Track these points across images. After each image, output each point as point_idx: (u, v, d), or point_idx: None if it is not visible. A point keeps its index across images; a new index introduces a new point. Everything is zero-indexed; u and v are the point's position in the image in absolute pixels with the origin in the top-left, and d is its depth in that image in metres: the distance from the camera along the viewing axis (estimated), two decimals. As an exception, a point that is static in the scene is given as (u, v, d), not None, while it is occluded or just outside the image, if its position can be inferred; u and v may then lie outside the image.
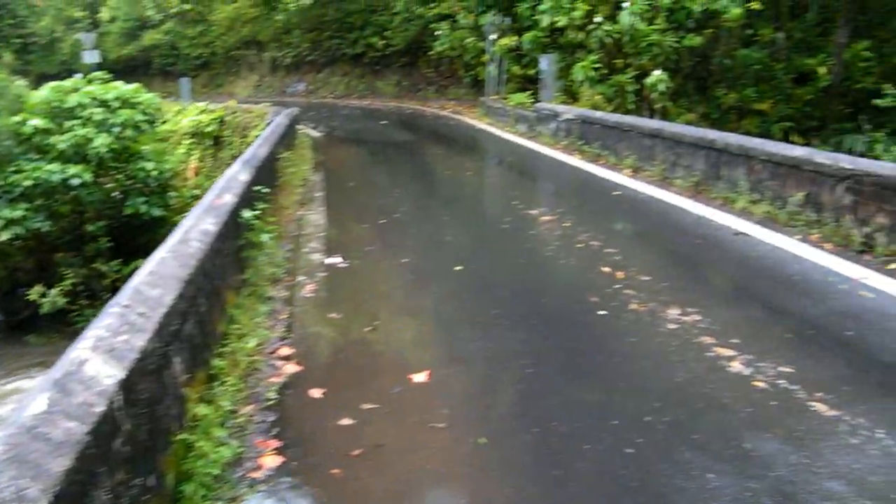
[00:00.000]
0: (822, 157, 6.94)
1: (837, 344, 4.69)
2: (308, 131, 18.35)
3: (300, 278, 6.02)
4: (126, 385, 2.46)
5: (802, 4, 20.17)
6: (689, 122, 16.44)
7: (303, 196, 9.32)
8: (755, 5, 16.12)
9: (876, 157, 14.66)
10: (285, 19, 34.49)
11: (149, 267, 3.70)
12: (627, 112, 16.35)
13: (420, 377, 4.12)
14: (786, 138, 16.77)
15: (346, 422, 3.64)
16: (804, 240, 6.84)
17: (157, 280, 3.51)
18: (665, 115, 16.24)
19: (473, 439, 3.47)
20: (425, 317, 5.22)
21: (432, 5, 26.97)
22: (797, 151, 7.29)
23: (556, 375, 4.21)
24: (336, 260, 6.49)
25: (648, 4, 16.29)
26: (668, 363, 4.32)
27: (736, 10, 15.73)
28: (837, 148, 15.56)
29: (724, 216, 7.83)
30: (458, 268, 6.23)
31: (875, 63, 17.31)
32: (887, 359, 4.46)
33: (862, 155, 15.20)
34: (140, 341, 2.77)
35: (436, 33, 25.68)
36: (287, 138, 11.66)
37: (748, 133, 17.11)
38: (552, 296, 5.65)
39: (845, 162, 6.64)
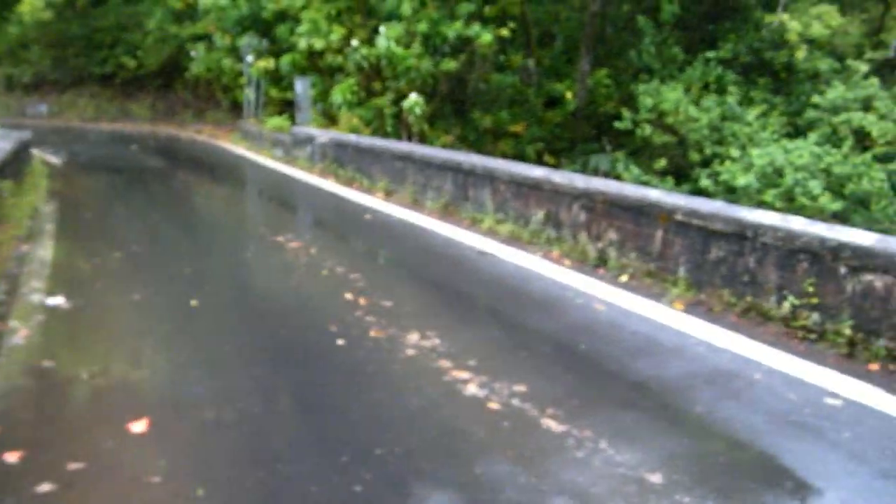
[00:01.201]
0: (559, 177, 7.36)
1: (571, 358, 4.92)
2: (47, 157, 16.86)
3: (13, 323, 5.39)
4: None
5: (550, 34, 21.65)
6: (446, 145, 16.98)
7: (29, 230, 8.46)
8: (505, 32, 16.99)
9: (618, 176, 15.95)
10: (20, 32, 31.55)
11: None
12: (386, 135, 16.60)
13: (139, 426, 3.78)
14: (539, 158, 17.82)
15: (45, 488, 3.23)
16: (546, 257, 7.21)
17: None
18: (423, 138, 16.66)
19: (191, 491, 3.20)
20: (150, 359, 4.83)
21: (187, 25, 25.92)
22: (536, 172, 7.69)
23: (286, 413, 4.05)
24: (58, 300, 5.89)
25: (405, 30, 16.68)
26: (404, 391, 4.29)
27: (487, 37, 16.47)
28: (584, 167, 16.76)
29: (471, 236, 8.09)
30: (194, 303, 5.88)
31: (614, 90, 18.89)
32: (613, 368, 4.73)
33: (606, 174, 16.48)
34: None
35: (191, 54, 24.70)
36: (13, 165, 10.58)
37: (504, 154, 17.99)
38: (291, 327, 5.47)
39: (579, 182, 7.08)
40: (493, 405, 4.11)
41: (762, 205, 14.75)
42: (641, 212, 6.30)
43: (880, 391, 4.43)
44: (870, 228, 15.40)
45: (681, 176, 16.43)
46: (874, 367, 4.71)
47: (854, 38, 17.93)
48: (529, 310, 5.88)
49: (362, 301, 5.91)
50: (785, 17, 17.14)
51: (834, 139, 16.02)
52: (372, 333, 5.21)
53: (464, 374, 4.51)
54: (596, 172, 16.43)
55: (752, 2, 18.52)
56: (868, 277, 4.73)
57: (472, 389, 4.31)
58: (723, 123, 15.97)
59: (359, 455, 3.53)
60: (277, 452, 3.56)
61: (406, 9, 16.46)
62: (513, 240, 7.82)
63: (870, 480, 3.46)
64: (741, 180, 14.54)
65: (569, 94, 18.31)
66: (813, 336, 5.06)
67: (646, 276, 6.34)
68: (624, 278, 6.48)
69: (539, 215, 7.54)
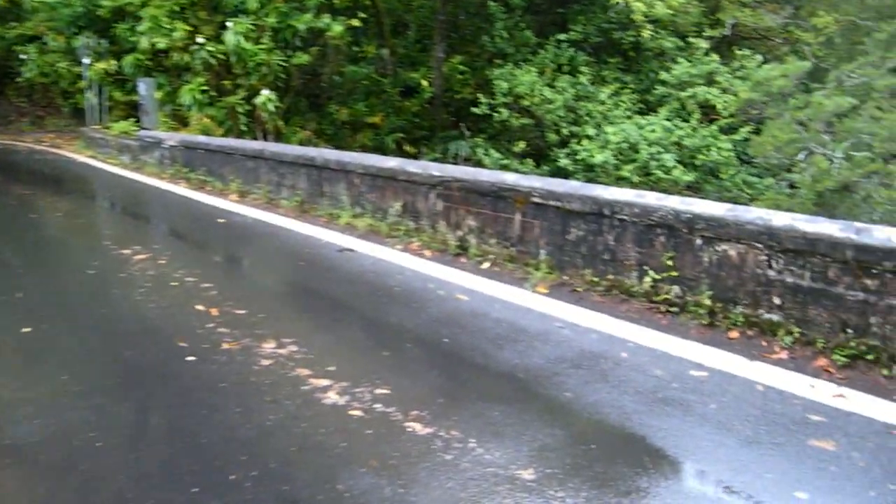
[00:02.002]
0: (414, 166, 7.17)
1: (435, 354, 4.74)
2: None
3: None
4: None
5: (404, 23, 21.46)
6: (303, 140, 16.53)
7: None
8: (356, 23, 16.66)
9: (479, 161, 16.00)
10: None
11: None
12: (241, 134, 15.98)
13: (-53, 480, 3.30)
14: (399, 148, 17.65)
15: None
16: (406, 249, 7.01)
17: None
18: (279, 135, 16.15)
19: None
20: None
21: (13, 25, 24.10)
22: (390, 163, 7.48)
23: (129, 445, 3.65)
24: None
25: (253, 24, 16.06)
26: (260, 406, 3.98)
27: (338, 28, 16.07)
28: (445, 154, 16.72)
29: (329, 233, 7.79)
30: (26, 330, 5.32)
31: (470, 76, 18.92)
32: (479, 360, 4.58)
33: (467, 159, 16.50)
34: None
35: (22, 57, 22.99)
36: None
37: (364, 146, 17.71)
38: (136, 348, 5.02)
39: (434, 170, 6.91)
40: (356, 412, 3.86)
41: (620, 180, 15.18)
42: (499, 196, 6.20)
43: (741, 358, 4.48)
44: (720, 196, 16.20)
45: (541, 157, 16.66)
46: (734, 334, 4.77)
47: (694, 18, 18.65)
48: (390, 306, 5.66)
49: (214, 311, 5.52)
50: (630, -3, 17.65)
51: (683, 113, 16.66)
52: (225, 345, 4.84)
53: (323, 382, 4.24)
54: (456, 159, 16.44)
55: (598, -16, 18.99)
56: (723, 247, 4.78)
57: (332, 397, 4.04)
58: (577, 103, 16.29)
59: (211, 483, 3.20)
60: (119, 492, 3.18)
61: (253, 2, 15.83)
62: (371, 234, 7.59)
63: (737, 449, 3.46)
64: (598, 158, 14.88)
65: (425, 83, 18.18)
66: (675, 309, 5.09)
67: (507, 261, 6.25)
68: (486, 265, 6.37)
69: (396, 207, 7.34)
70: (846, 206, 13.27)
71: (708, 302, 4.89)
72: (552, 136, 16.07)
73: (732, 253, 4.74)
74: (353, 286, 6.22)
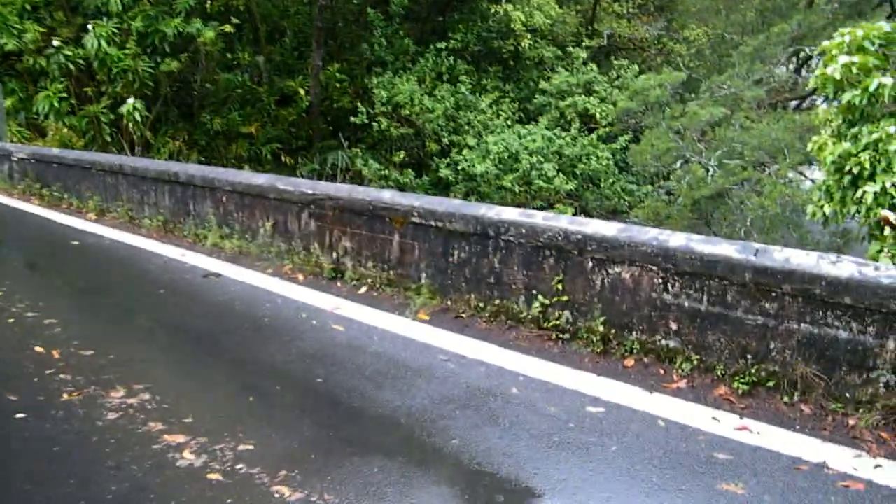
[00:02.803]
0: (284, 183, 6.56)
1: (307, 397, 4.18)
2: None
3: None
4: None
5: (280, 29, 20.64)
6: (174, 151, 15.57)
7: None
8: (228, 28, 15.82)
9: (358, 171, 15.46)
10: None
11: None
12: (105, 145, 14.86)
13: None
14: (277, 159, 16.90)
15: None
16: (277, 273, 6.40)
17: None
18: (147, 146, 15.13)
19: None
20: None
21: None
22: (259, 179, 6.84)
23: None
24: None
25: (117, 27, 14.96)
26: (101, 473, 3.31)
27: (210, 33, 15.21)
28: (323, 165, 16.10)
29: (195, 256, 7.06)
30: None
31: (349, 84, 18.34)
32: (356, 403, 4.05)
33: (346, 170, 15.93)
34: None
35: None
36: None
37: (239, 157, 16.87)
38: (-51, 404, 4.23)
39: (306, 187, 6.33)
40: (214, 475, 3.26)
41: (502, 189, 14.97)
42: (375, 216, 5.68)
43: (639, 390, 4.13)
44: (601, 204, 16.26)
45: (421, 167, 16.30)
46: (630, 362, 4.43)
47: (572, 28, 18.77)
48: (259, 340, 5.05)
49: (56, 353, 4.75)
50: (509, 7, 17.52)
51: (563, 123, 16.64)
52: (64, 396, 4.11)
53: (178, 438, 3.61)
54: (335, 170, 15.85)
55: (477, -7, 18.80)
56: (616, 270, 4.43)
57: (187, 457, 3.42)
58: (458, 112, 16.01)
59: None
60: None
61: (116, 4, 14.73)
62: (241, 256, 6.92)
63: (644, 499, 3.09)
64: (479, 167, 14.61)
65: (302, 91, 17.48)
66: (566, 336, 4.71)
67: (386, 285, 5.74)
68: (363, 290, 5.84)
69: (267, 227, 6.71)
70: (721, 212, 13.49)
71: (601, 328, 4.53)
72: (433, 146, 15.72)
73: (626, 276, 4.40)
74: (219, 317, 5.56)
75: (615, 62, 17.63)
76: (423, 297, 5.42)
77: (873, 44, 7.37)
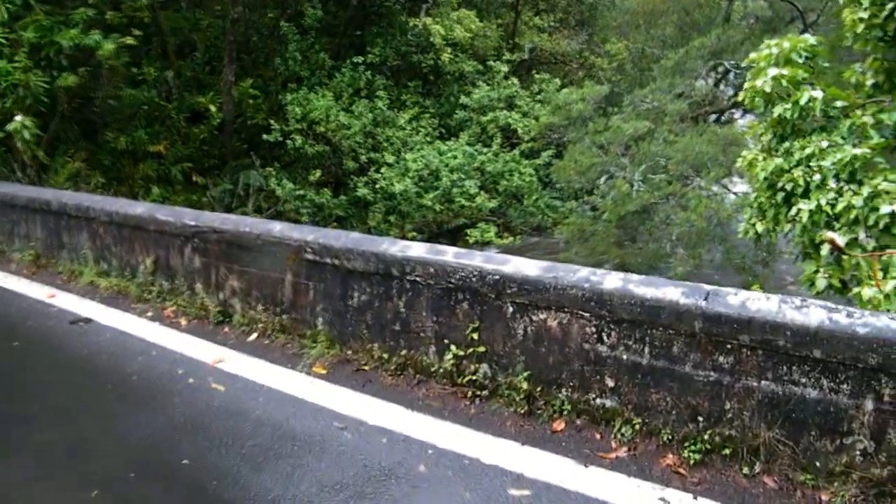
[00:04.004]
0: (165, 213, 5.62)
1: (168, 488, 3.30)
2: None
3: None
4: None
5: (190, 43, 19.47)
6: (74, 173, 14.31)
7: None
8: (130, 41, 14.63)
9: (272, 191, 14.49)
10: None
11: None
12: (-7, 167, 13.51)
13: None
14: (188, 179, 15.79)
15: None
16: (158, 316, 5.45)
17: None
18: (43, 168, 13.83)
19: None
20: None
21: None
22: (138, 209, 5.86)
23: None
24: None
25: (5, 38, 13.65)
26: None
27: (109, 46, 13.99)
28: (236, 185, 15.08)
29: (66, 298, 6.03)
30: None
31: (263, 100, 17.33)
32: (227, 494, 3.19)
33: (260, 190, 14.94)
34: None
35: None
36: None
37: (147, 177, 15.72)
38: None
39: (188, 217, 5.40)
40: None
41: (422, 208, 14.20)
42: (264, 251, 4.80)
43: (570, 463, 3.38)
44: (524, 221, 15.64)
45: (339, 186, 15.44)
46: (559, 426, 3.67)
47: (493, 42, 18.16)
48: (122, 405, 4.12)
49: None
50: (428, 20, 16.82)
51: (484, 138, 16.00)
52: None
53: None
54: (248, 190, 14.86)
55: (396, 7, 17.99)
56: (541, 316, 3.67)
57: None
58: (376, 129, 15.22)
59: None
60: None
61: (2, 12, 13.41)
62: (118, 297, 5.92)
63: None
64: (399, 186, 13.84)
65: (213, 108, 16.38)
66: (484, 393, 3.92)
67: (279, 331, 4.86)
68: (253, 337, 4.94)
69: (147, 263, 5.74)
70: (646, 227, 13.01)
71: (525, 384, 3.76)
72: (350, 164, 14.84)
73: (553, 324, 3.64)
74: (79, 375, 4.59)
75: (537, 76, 17.08)
76: (319, 345, 4.56)
77: (800, 56, 6.95)
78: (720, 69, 15.86)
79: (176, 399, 4.14)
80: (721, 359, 3.23)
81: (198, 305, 5.36)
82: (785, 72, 6.78)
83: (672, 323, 3.27)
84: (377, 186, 14.17)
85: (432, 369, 4.09)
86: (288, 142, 14.86)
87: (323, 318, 4.59)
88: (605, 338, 3.50)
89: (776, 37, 14.03)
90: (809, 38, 7.10)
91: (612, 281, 3.44)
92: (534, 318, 3.69)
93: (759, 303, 3.14)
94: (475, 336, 3.90)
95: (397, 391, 4.11)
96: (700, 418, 3.33)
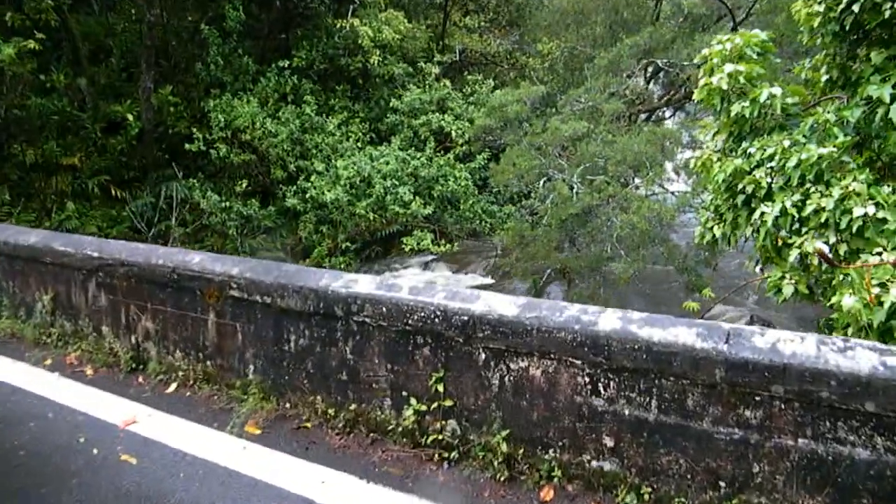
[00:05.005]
0: (62, 242, 4.71)
1: None
2: None
3: None
4: None
5: (105, 48, 18.20)
6: (-21, 190, 13.07)
7: None
8: (33, 45, 13.41)
9: (197, 204, 13.50)
10: None
11: None
12: None
13: None
14: (106, 193, 14.64)
15: None
16: (58, 365, 4.55)
17: None
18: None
19: None
20: None
21: None
22: (32, 237, 4.94)
23: None
24: None
25: None
26: None
27: (9, 50, 12.79)
28: (158, 197, 14.05)
29: (-52, 344, 5.08)
30: None
31: (185, 108, 16.25)
32: None
33: (184, 202, 13.93)
34: None
35: None
36: None
37: (62, 192, 14.54)
38: None
39: (90, 248, 4.52)
40: None
41: (355, 217, 13.41)
42: (182, 287, 3.99)
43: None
44: (461, 227, 15.00)
45: (268, 196, 14.53)
46: (547, 494, 2.98)
47: (423, 43, 17.42)
48: (6, 487, 3.28)
49: None
50: (355, 21, 16.00)
51: (417, 142, 15.30)
52: None
53: None
54: (171, 202, 13.83)
55: (321, 9, 17.08)
56: (520, 364, 2.99)
57: None
58: (304, 136, 14.33)
59: None
60: None
61: None
62: (11, 341, 4.98)
63: None
64: (330, 195, 13.00)
65: (131, 117, 15.23)
66: (454, 455, 3.21)
67: (203, 381, 4.05)
68: (172, 388, 4.12)
69: (45, 301, 4.83)
70: (587, 229, 12.52)
71: (504, 445, 3.07)
72: (279, 173, 13.92)
73: (536, 372, 2.96)
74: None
75: (469, 77, 16.44)
76: (251, 398, 3.78)
77: (753, 52, 6.50)
78: (650, 68, 15.49)
79: (73, 482, 3.29)
80: (748, 413, 2.60)
81: (106, 351, 4.49)
82: (742, 68, 6.30)
83: (686, 371, 2.63)
84: (307, 196, 13.29)
85: (389, 427, 3.36)
86: (212, 151, 13.85)
87: (255, 365, 3.81)
88: (601, 389, 2.83)
89: (706, 35, 13.74)
90: (760, 34, 6.65)
91: (608, 321, 2.77)
92: (512, 366, 3.00)
93: (792, 345, 2.52)
94: (439, 387, 3.19)
95: (348, 454, 3.36)
96: (722, 484, 2.70)
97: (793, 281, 5.80)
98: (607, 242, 12.10)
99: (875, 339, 4.76)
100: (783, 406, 2.54)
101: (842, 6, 6.19)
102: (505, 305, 2.98)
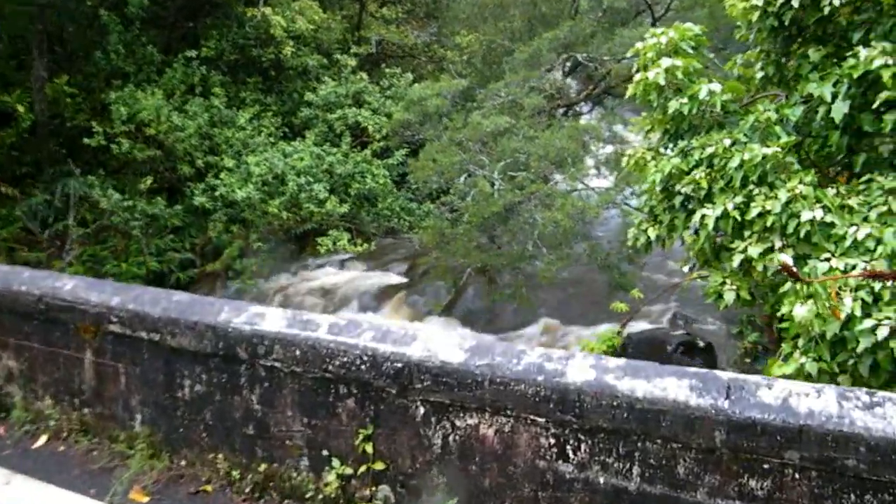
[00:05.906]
0: None
1: None
2: None
3: None
4: None
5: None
6: None
7: None
8: None
9: (96, 203, 12.43)
10: None
11: None
12: None
13: None
14: (-6, 192, 13.36)
15: None
16: None
17: None
18: None
19: None
20: None
21: None
22: None
23: None
24: None
25: None
26: None
27: None
28: (54, 195, 12.90)
29: None
30: None
31: (83, 99, 15.01)
32: None
33: (83, 200, 12.84)
34: None
35: None
36: None
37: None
38: None
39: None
40: None
41: (267, 215, 12.62)
42: (52, 320, 3.23)
43: None
44: (378, 225, 14.36)
45: (174, 193, 13.53)
46: (502, 576, 2.42)
47: (338, 34, 16.63)
48: None
49: None
50: (267, 10, 15.08)
51: (332, 137, 14.55)
52: None
53: None
54: (69, 201, 12.69)
55: (232, -4, 16.10)
56: (468, 421, 2.39)
57: None
58: (213, 130, 13.39)
59: None
60: None
61: None
62: None
63: None
64: (241, 192, 12.15)
65: (22, 108, 13.93)
66: (386, 528, 2.62)
67: (80, 433, 3.30)
68: (42, 442, 3.35)
69: None
70: (508, 227, 12.08)
71: (446, 517, 2.49)
72: (186, 169, 12.95)
73: (488, 432, 2.37)
74: None
75: (387, 70, 15.76)
76: (138, 455, 3.06)
77: (689, 46, 6.16)
78: (569, 62, 15.17)
79: None
80: (752, 483, 2.08)
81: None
82: (679, 62, 5.92)
83: (678, 434, 2.09)
84: (217, 193, 12.39)
85: (307, 493, 2.71)
86: (114, 146, 12.77)
87: (142, 414, 3.10)
88: (570, 453, 2.27)
89: (626, 30, 13.45)
90: (694, 28, 6.29)
91: (578, 370, 2.21)
92: (458, 423, 2.41)
93: (808, 401, 2.01)
94: (368, 447, 2.57)
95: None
96: (717, 567, 2.18)
97: (734, 286, 5.45)
98: (529, 240, 11.68)
99: (826, 350, 4.48)
100: (797, 475, 2.03)
101: (781, 1, 5.87)
102: (448, 350, 2.38)
